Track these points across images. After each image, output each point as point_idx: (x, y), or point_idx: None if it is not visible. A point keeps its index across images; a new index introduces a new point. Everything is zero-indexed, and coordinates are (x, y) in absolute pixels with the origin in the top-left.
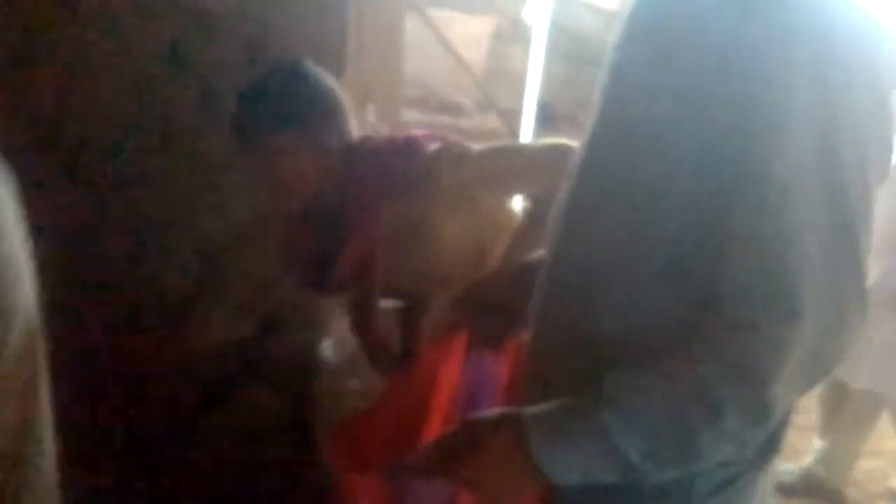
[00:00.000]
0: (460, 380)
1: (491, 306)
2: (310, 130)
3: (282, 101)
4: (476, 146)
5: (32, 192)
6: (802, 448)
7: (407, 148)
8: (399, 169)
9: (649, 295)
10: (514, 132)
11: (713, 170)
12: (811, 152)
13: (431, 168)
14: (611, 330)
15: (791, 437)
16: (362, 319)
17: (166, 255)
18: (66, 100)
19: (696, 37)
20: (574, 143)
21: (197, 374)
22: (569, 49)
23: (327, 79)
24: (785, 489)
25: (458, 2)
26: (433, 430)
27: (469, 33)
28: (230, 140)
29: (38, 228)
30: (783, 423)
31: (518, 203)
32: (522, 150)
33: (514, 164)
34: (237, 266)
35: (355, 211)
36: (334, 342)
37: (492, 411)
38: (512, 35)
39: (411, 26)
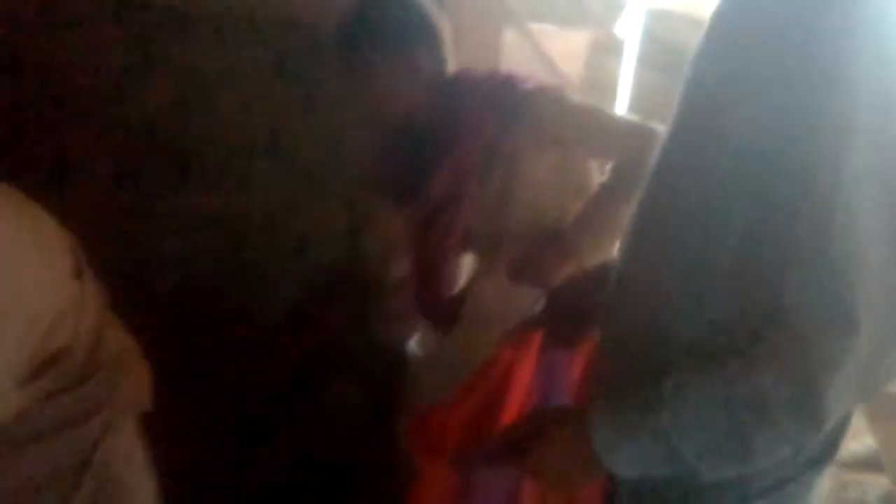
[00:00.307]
0: (534, 379)
1: (568, 308)
2: (410, 53)
3: (383, 25)
4: (574, 97)
5: (148, 198)
6: None
7: (507, 81)
8: (498, 98)
9: (714, 301)
10: None
11: (783, 175)
12: (870, 160)
13: (529, 103)
14: (675, 332)
15: None
16: (434, 254)
17: (269, 257)
18: (179, 110)
19: (772, 37)
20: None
21: (285, 368)
22: (663, 60)
23: (429, 4)
24: None
25: (556, 15)
26: None
27: (566, 46)
28: (332, 63)
29: (158, 229)
30: (841, 428)
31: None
32: (615, 115)
33: (605, 124)
34: (335, 268)
35: (454, 134)
36: (419, 337)
37: (558, 405)
38: (609, 48)
39: (509, 39)
